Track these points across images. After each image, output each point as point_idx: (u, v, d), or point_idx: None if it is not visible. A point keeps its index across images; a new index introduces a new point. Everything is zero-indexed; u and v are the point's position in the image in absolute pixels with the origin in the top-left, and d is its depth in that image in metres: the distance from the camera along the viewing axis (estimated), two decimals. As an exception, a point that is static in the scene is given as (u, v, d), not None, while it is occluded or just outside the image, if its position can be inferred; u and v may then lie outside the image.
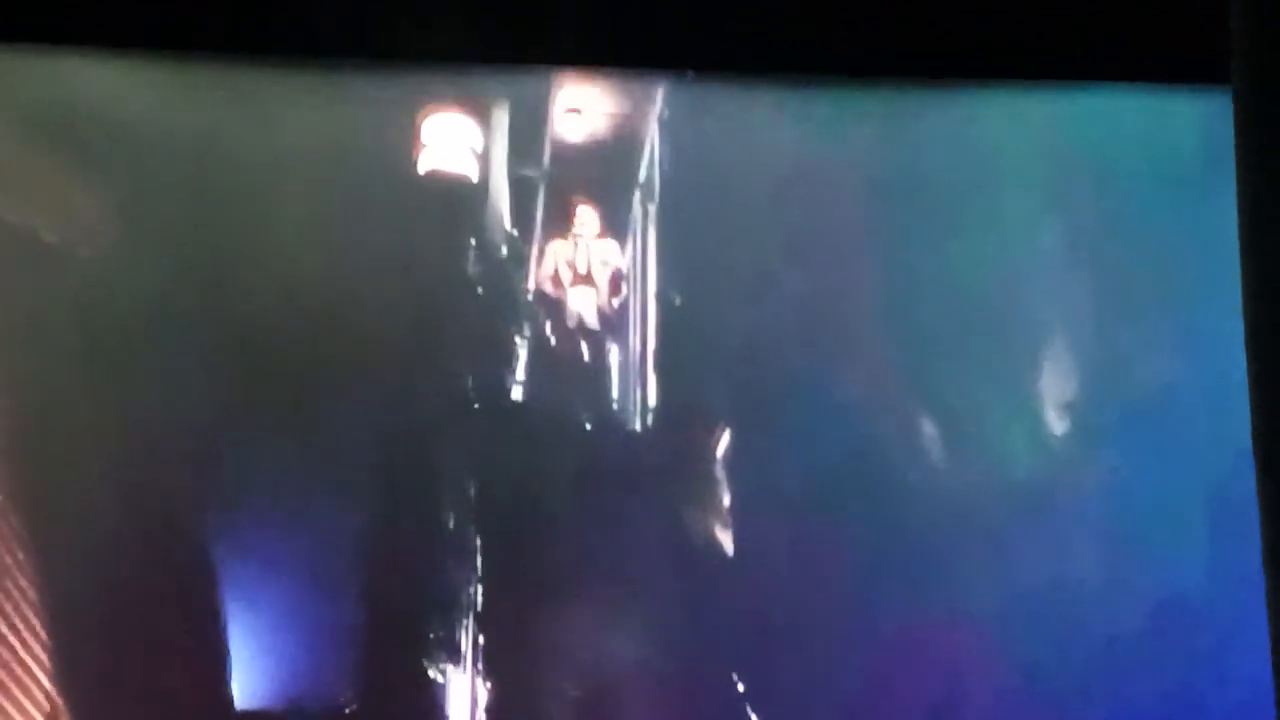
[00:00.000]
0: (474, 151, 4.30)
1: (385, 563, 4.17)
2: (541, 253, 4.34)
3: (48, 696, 3.95)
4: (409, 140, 4.27)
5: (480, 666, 4.16)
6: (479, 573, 4.18)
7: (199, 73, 4.20)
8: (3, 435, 4.01)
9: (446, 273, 4.27)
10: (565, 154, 4.34)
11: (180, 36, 4.10)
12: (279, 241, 4.17)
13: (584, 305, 4.34)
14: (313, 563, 4.13)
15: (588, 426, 4.28)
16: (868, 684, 4.15)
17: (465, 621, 4.17)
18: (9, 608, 3.94)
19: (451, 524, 4.19)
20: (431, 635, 4.16)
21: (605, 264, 4.35)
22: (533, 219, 4.33)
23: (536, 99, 4.32)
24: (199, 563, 4.07)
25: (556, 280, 4.33)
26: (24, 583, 3.95)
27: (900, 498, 4.23)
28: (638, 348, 4.33)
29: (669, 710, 4.18)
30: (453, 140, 4.29)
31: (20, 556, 3.96)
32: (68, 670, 3.96)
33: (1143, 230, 4.33)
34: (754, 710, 4.16)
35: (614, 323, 4.35)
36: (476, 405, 4.24)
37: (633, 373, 4.31)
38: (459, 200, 4.30)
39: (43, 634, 3.95)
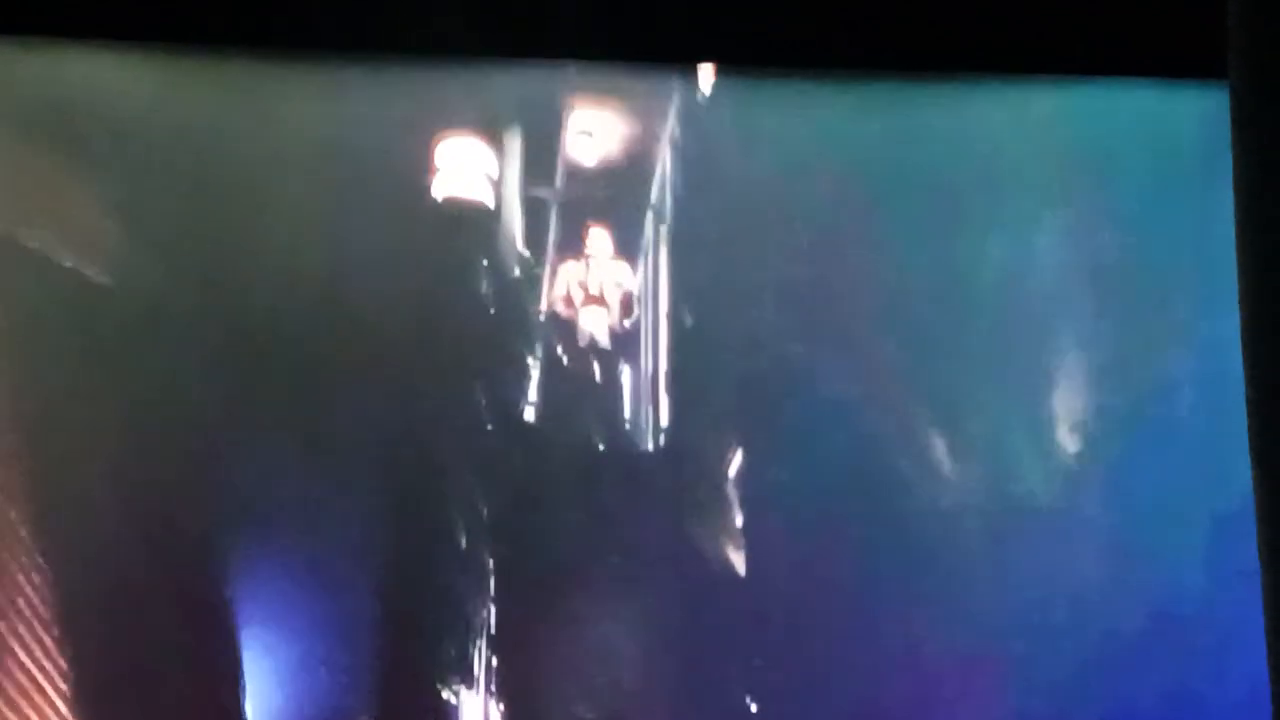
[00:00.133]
0: (487, 175, 4.31)
1: (396, 584, 4.16)
2: (554, 273, 4.34)
3: (55, 710, 3.96)
4: (413, 137, 4.27)
5: (493, 688, 4.15)
6: (492, 593, 4.17)
7: (200, 67, 4.19)
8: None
9: (458, 294, 4.28)
10: (578, 175, 4.35)
11: (181, 30, 4.11)
12: (279, 247, 4.19)
13: (596, 325, 4.34)
14: (323, 584, 4.13)
15: (600, 446, 4.28)
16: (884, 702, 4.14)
17: (478, 642, 4.16)
18: (13, 615, 3.95)
19: (464, 544, 4.19)
20: (443, 656, 4.15)
21: (617, 284, 4.35)
22: (545, 240, 4.34)
23: (549, 122, 4.33)
24: (209, 583, 4.07)
25: (569, 300, 4.34)
26: (29, 591, 3.96)
27: (916, 514, 4.21)
28: (650, 368, 4.32)
29: (683, 732, 4.17)
30: (466, 163, 4.30)
31: (24, 560, 3.98)
32: (72, 686, 3.97)
33: (1143, 225, 4.31)
34: (768, 732, 4.15)
35: (626, 343, 4.35)
36: (489, 425, 4.24)
37: (645, 393, 4.30)
38: (471, 222, 4.31)
39: (48, 644, 3.95)
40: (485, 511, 4.20)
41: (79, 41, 4.13)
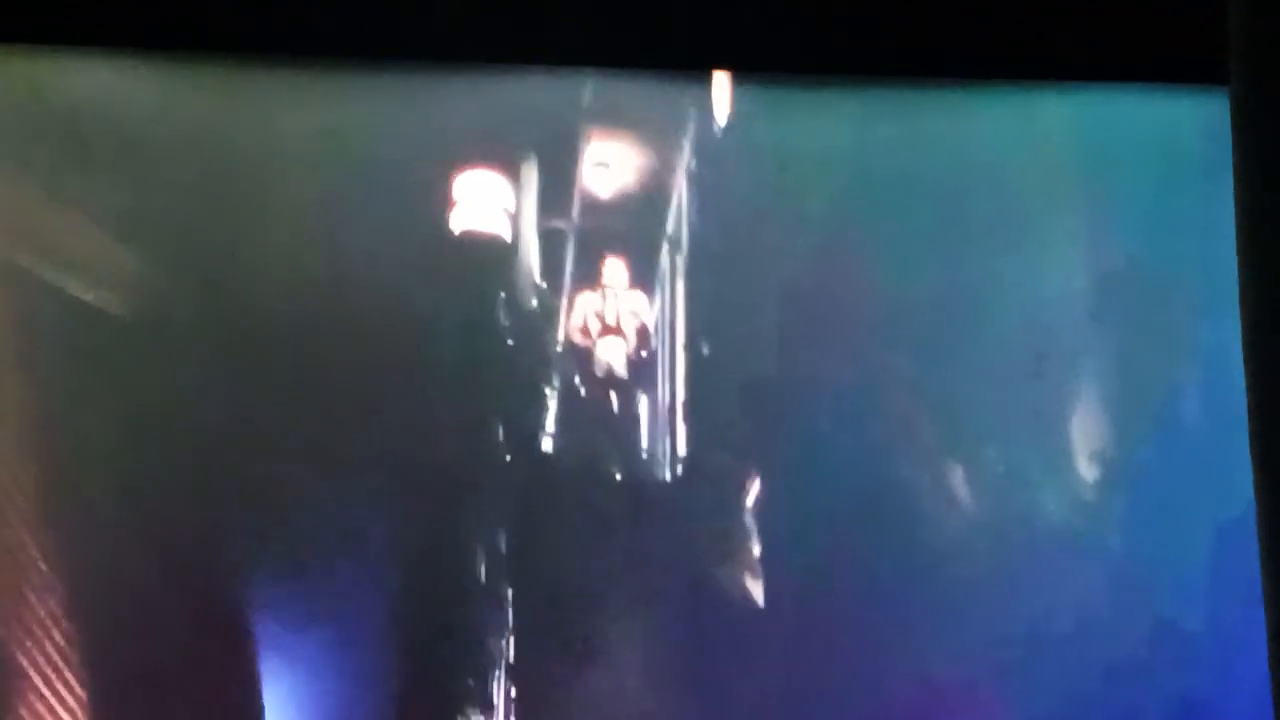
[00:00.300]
0: (504, 208, 4.33)
1: (415, 616, 4.16)
2: (571, 304, 4.35)
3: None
4: (423, 148, 4.28)
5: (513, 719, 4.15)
6: (510, 625, 4.16)
7: (209, 75, 4.22)
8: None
9: (476, 325, 4.29)
10: (594, 207, 4.37)
11: (188, 38, 4.14)
12: (285, 258, 4.21)
13: (613, 356, 4.35)
14: (341, 618, 4.13)
15: (618, 476, 4.28)
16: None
17: (496, 674, 4.15)
18: (30, 620, 3.96)
19: (482, 574, 4.18)
20: (462, 687, 4.14)
21: (634, 315, 4.36)
22: (562, 271, 4.36)
23: (562, 139, 4.34)
24: (227, 614, 4.08)
25: (586, 331, 4.35)
26: (44, 605, 3.97)
27: (932, 536, 4.19)
28: (667, 398, 4.32)
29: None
30: (483, 196, 4.32)
31: (36, 574, 3.99)
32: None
33: (1146, 229, 4.30)
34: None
35: (643, 373, 4.35)
36: (507, 456, 4.24)
37: (662, 422, 4.30)
38: (489, 254, 4.32)
39: (61, 658, 3.96)
40: (503, 542, 4.20)
41: (84, 49, 4.17)
